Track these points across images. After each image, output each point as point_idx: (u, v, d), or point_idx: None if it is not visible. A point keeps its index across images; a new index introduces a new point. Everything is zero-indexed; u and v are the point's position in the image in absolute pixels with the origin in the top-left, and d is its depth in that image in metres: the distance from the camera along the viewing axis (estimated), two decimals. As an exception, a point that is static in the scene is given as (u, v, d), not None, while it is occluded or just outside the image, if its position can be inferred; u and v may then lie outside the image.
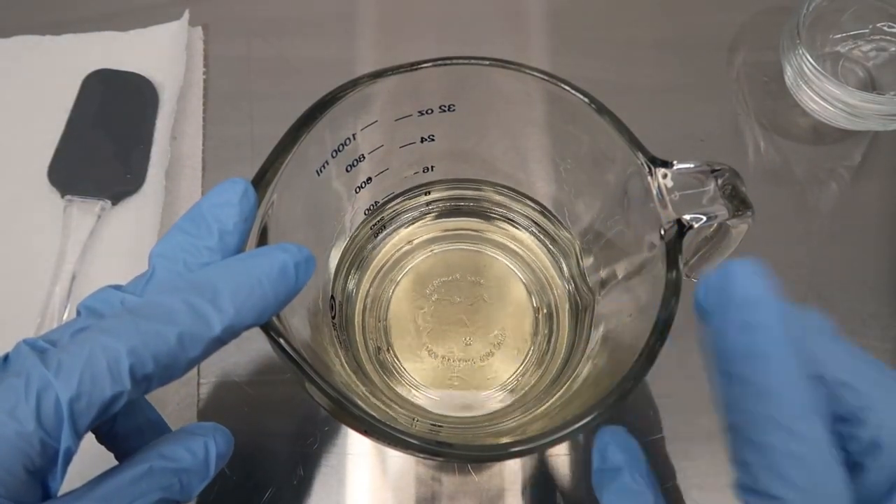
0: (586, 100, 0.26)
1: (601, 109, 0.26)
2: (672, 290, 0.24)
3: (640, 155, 0.25)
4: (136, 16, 0.43)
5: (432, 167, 0.33)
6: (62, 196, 0.37)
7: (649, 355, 0.23)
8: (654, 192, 0.25)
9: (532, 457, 0.34)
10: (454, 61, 0.27)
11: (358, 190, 0.31)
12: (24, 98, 0.40)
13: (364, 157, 0.30)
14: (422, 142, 0.31)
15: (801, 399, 0.18)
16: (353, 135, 0.28)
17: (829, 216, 0.39)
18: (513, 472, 0.34)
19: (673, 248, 0.24)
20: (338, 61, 0.43)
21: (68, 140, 0.39)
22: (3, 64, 0.41)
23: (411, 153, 0.31)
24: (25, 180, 0.38)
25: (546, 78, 0.27)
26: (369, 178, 0.31)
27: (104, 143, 0.39)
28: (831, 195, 0.40)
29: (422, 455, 0.23)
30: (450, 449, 0.22)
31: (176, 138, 0.40)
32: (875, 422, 0.19)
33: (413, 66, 0.27)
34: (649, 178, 0.25)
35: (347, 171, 0.30)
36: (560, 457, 0.34)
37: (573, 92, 0.27)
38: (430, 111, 0.29)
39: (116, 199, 0.38)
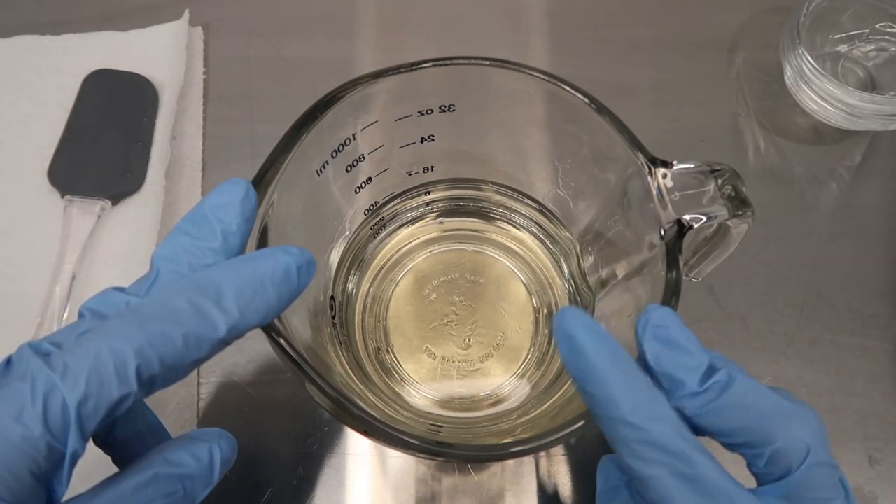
0: (586, 100, 0.26)
1: (601, 109, 0.26)
2: (672, 290, 0.24)
3: (640, 155, 0.25)
4: (136, 16, 0.43)
5: (432, 167, 0.33)
6: (62, 196, 0.37)
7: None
8: (654, 192, 0.25)
9: (532, 457, 0.34)
10: (454, 61, 0.27)
11: (358, 190, 0.31)
12: (24, 98, 0.40)
13: (364, 157, 0.30)
14: (422, 142, 0.31)
15: (636, 398, 0.19)
16: (353, 135, 0.28)
17: (829, 216, 0.39)
18: (513, 472, 0.34)
19: (673, 248, 0.25)
20: (338, 61, 0.43)
21: (68, 140, 0.39)
22: (3, 64, 0.41)
23: (411, 153, 0.31)
24: (25, 180, 0.38)
25: (546, 78, 0.27)
26: (369, 178, 0.31)
27: (104, 143, 0.39)
28: (831, 195, 0.40)
29: (422, 455, 0.23)
30: (450, 449, 0.22)
31: (176, 138, 0.40)
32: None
33: (413, 66, 0.27)
34: (649, 178, 0.25)
35: (347, 171, 0.30)
36: (559, 457, 0.34)
37: (573, 92, 0.26)
38: (430, 111, 0.29)
39: (116, 199, 0.38)
